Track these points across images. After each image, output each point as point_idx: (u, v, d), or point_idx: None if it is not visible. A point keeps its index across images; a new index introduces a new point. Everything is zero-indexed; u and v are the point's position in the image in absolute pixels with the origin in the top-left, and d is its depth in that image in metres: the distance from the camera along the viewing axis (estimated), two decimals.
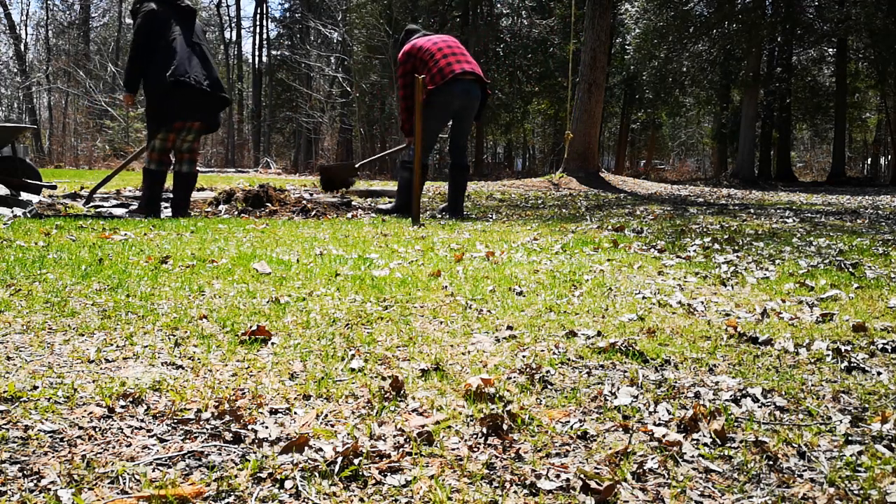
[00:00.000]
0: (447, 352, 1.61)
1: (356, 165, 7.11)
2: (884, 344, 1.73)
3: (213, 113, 4.85)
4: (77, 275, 2.24)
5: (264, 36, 35.14)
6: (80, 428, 1.13)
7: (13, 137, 5.62)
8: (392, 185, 9.41)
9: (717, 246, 3.78)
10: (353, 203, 6.47)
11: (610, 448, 1.13)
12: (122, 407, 1.21)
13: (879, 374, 1.53)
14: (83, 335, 1.60)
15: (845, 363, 1.59)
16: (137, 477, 0.99)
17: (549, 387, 1.41)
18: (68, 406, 1.21)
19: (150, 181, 4.85)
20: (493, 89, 24.09)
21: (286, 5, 36.68)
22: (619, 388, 1.39)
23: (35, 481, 0.96)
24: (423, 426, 1.17)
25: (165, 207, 5.49)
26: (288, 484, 0.98)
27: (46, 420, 1.14)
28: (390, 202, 6.55)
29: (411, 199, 5.59)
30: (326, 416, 1.23)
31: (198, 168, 5.06)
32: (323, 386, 1.35)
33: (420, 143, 4.90)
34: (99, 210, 5.29)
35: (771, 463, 1.11)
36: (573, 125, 11.10)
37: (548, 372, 1.47)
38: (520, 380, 1.43)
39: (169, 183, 5.28)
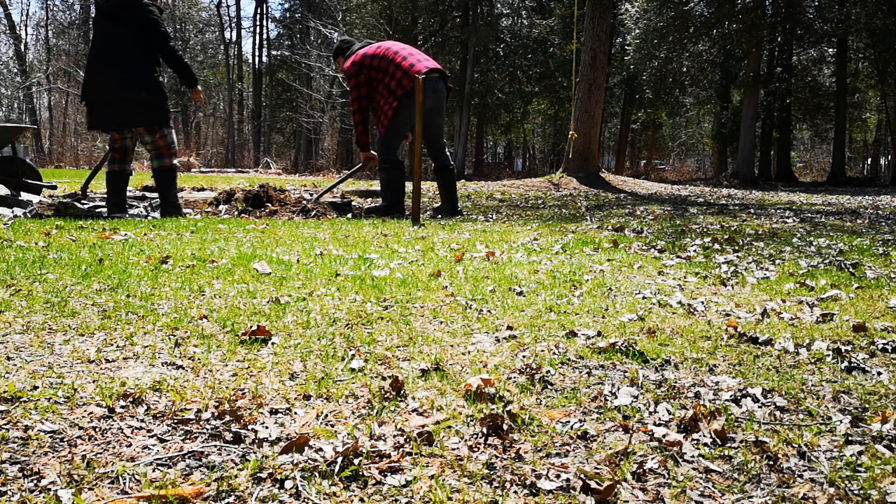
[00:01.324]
0: (447, 352, 1.61)
1: (314, 198, 6.54)
2: (884, 344, 1.73)
3: (132, 115, 4.63)
4: (77, 275, 2.24)
5: (264, 36, 35.17)
6: (80, 428, 1.13)
7: (13, 137, 5.62)
8: None
9: (717, 246, 3.78)
10: (354, 203, 6.47)
11: (610, 448, 1.13)
12: (123, 407, 1.21)
13: (879, 374, 1.53)
14: (83, 335, 1.60)
15: (845, 363, 1.59)
16: (137, 477, 0.99)
17: (549, 387, 1.41)
18: (68, 406, 1.21)
19: (106, 181, 4.90)
20: (483, 85, 24.11)
21: (286, 5, 36.73)
22: (619, 388, 1.39)
23: (35, 481, 0.96)
24: (423, 426, 1.17)
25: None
26: (288, 484, 0.98)
27: (46, 420, 1.14)
28: (375, 202, 6.55)
29: (398, 197, 5.58)
30: (326, 416, 1.23)
31: (169, 163, 4.81)
32: (323, 386, 1.35)
33: (418, 143, 4.89)
34: (98, 210, 5.29)
35: (771, 463, 1.11)
36: (573, 125, 11.10)
37: (548, 372, 1.47)
38: (520, 380, 1.43)
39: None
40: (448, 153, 5.80)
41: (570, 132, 10.89)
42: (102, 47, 4.60)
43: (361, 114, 5.42)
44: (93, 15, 4.85)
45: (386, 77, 5.27)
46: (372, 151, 5.64)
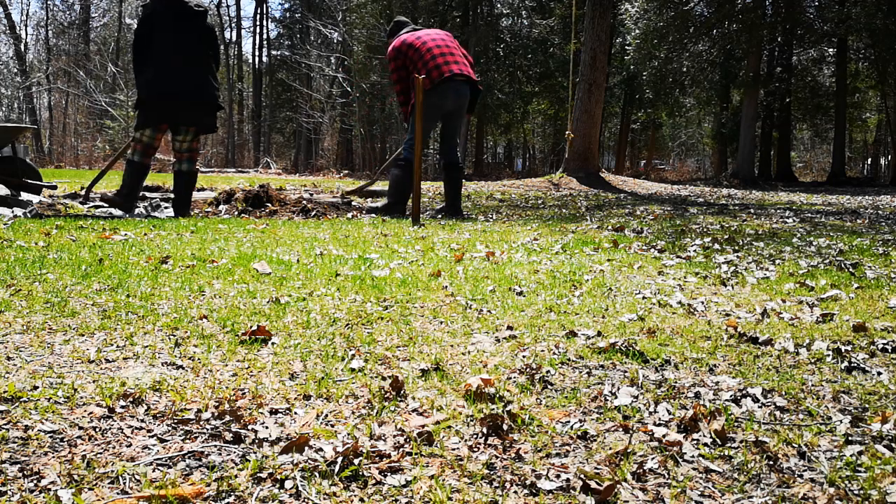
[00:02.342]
0: (447, 352, 1.61)
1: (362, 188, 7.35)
2: (884, 344, 1.73)
3: (203, 118, 4.86)
4: (77, 275, 2.24)
5: (264, 36, 35.15)
6: (80, 428, 1.13)
7: (13, 137, 5.62)
8: None
9: (717, 246, 3.78)
10: (354, 203, 6.47)
11: (610, 448, 1.13)
12: (123, 407, 1.21)
13: (879, 374, 1.53)
14: (83, 335, 1.60)
15: (845, 363, 1.59)
16: (137, 477, 0.99)
17: (549, 387, 1.40)
18: (68, 406, 1.21)
19: (130, 172, 4.84)
20: (484, 85, 24.11)
21: (286, 5, 36.69)
22: (619, 388, 1.39)
23: (35, 481, 0.96)
24: (423, 426, 1.17)
25: (166, 207, 5.49)
26: (288, 484, 0.98)
27: (46, 420, 1.14)
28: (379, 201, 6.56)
29: (403, 196, 5.60)
30: (326, 416, 1.23)
31: (198, 167, 5.09)
32: (323, 386, 1.35)
33: (418, 143, 4.89)
34: (99, 210, 5.29)
35: (771, 463, 1.11)
36: (573, 125, 11.10)
37: (548, 372, 1.47)
38: (520, 380, 1.43)
39: (170, 183, 5.32)
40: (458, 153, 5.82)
41: (567, 132, 10.90)
42: (179, 49, 4.68)
43: (403, 94, 5.55)
44: (145, 10, 4.79)
45: (414, 71, 5.38)
46: None
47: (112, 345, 1.55)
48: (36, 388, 1.27)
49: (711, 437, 1.18)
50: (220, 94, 4.97)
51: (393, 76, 5.57)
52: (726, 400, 1.35)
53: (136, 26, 4.78)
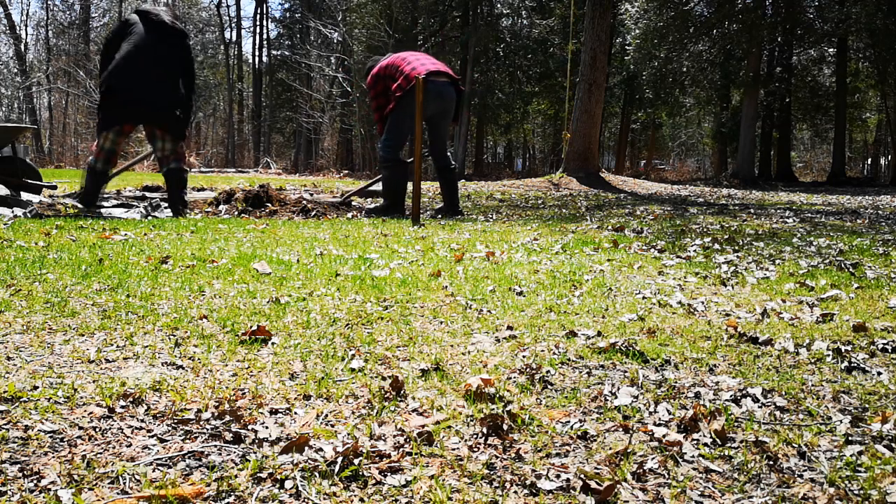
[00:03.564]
0: (447, 352, 1.61)
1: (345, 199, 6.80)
2: (884, 344, 1.73)
3: (175, 124, 4.93)
4: (77, 275, 2.24)
5: (264, 36, 35.15)
6: (80, 428, 1.13)
7: (13, 137, 5.62)
8: None
9: (717, 246, 3.78)
10: (354, 203, 6.47)
11: (610, 448, 1.13)
12: (123, 407, 1.21)
13: (879, 374, 1.53)
14: (83, 335, 1.60)
15: (845, 363, 1.59)
16: (138, 477, 0.99)
17: (549, 387, 1.40)
18: (68, 406, 1.21)
19: (92, 179, 4.96)
20: (484, 85, 24.11)
21: (286, 5, 36.67)
22: (619, 388, 1.39)
23: (35, 481, 0.96)
24: (423, 426, 1.17)
25: (166, 207, 5.49)
26: (288, 484, 0.98)
27: (46, 420, 1.14)
28: (376, 202, 6.55)
29: (398, 197, 5.61)
30: (326, 416, 1.23)
31: (185, 166, 5.18)
32: (323, 386, 1.35)
33: (418, 142, 4.88)
34: (99, 210, 5.29)
35: (771, 463, 1.10)
36: (573, 125, 11.10)
37: (548, 372, 1.47)
38: (520, 380, 1.43)
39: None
40: (449, 153, 5.82)
41: (564, 132, 10.92)
42: (145, 61, 4.76)
43: (379, 111, 5.66)
44: (127, 16, 4.96)
45: (393, 83, 5.47)
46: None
47: (112, 345, 1.55)
48: (36, 388, 1.27)
49: (711, 437, 1.18)
50: (183, 104, 5.05)
51: (373, 104, 5.72)
52: (726, 400, 1.35)
53: (107, 36, 4.93)
